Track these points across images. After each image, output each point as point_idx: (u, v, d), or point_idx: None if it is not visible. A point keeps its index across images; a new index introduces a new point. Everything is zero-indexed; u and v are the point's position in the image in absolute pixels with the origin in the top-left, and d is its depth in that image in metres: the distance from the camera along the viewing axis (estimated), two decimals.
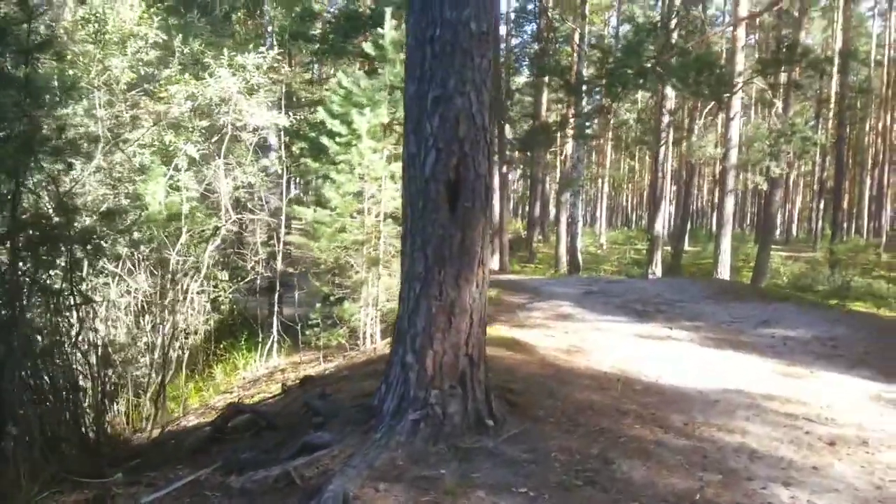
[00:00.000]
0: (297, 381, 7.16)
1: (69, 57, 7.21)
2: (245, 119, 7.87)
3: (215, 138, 8.13)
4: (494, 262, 19.37)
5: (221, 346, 11.08)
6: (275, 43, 10.50)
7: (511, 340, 6.99)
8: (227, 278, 10.99)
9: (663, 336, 8.10)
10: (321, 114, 7.90)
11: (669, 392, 5.73)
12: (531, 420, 4.70)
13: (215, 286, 10.99)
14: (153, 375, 8.32)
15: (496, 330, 7.50)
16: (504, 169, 20.41)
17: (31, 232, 6.42)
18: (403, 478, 3.78)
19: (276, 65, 7.88)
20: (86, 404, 7.06)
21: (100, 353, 7.39)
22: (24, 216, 6.15)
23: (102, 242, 7.01)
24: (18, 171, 5.47)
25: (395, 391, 4.45)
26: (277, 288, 10.10)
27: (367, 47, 8.04)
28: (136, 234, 7.30)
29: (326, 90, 8.29)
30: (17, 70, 6.23)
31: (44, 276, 6.65)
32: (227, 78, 7.56)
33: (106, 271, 7.67)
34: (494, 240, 19.67)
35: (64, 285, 6.91)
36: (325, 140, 7.58)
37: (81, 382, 7.09)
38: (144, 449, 6.51)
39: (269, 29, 10.26)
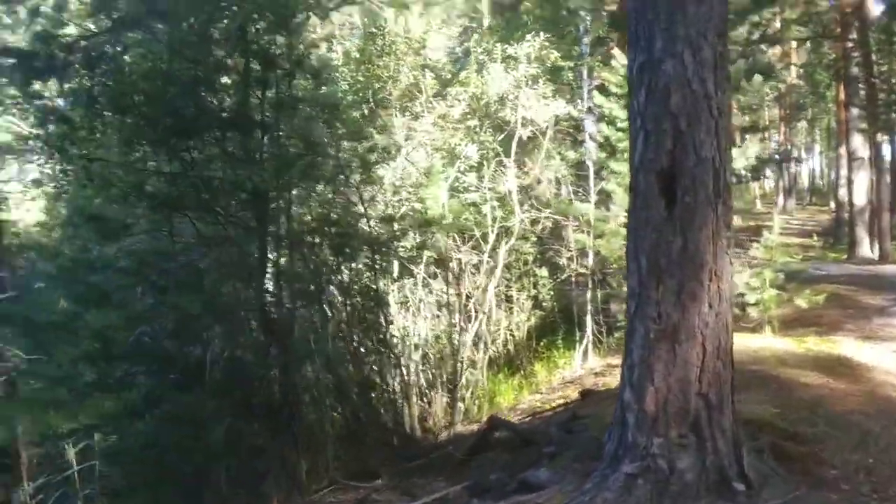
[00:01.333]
0: (580, 394, 6.58)
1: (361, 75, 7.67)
2: (528, 112, 7.50)
3: (501, 136, 7.90)
4: (867, 250, 15.82)
5: (542, 343, 10.93)
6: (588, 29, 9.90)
7: (835, 360, 5.38)
8: (546, 274, 10.80)
9: None
10: (596, 97, 7.14)
11: None
12: (812, 483, 3.45)
13: (535, 283, 10.87)
14: (460, 375, 8.50)
15: (824, 343, 5.91)
16: (881, 136, 16.56)
17: (331, 234, 6.93)
18: None
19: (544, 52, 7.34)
20: (384, 401, 7.43)
21: (398, 352, 7.76)
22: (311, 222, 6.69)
23: (391, 245, 7.33)
24: (286, 184, 5.92)
25: (615, 433, 3.64)
26: (590, 285, 9.52)
27: None
28: (418, 237, 7.47)
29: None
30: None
31: (340, 277, 7.13)
32: (501, 71, 7.28)
33: (406, 273, 8.02)
34: (874, 222, 16.05)
35: (361, 285, 7.33)
36: (602, 126, 6.81)
37: (380, 380, 7.52)
38: (428, 450, 6.61)
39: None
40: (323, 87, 7.47)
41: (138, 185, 5.37)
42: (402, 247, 7.61)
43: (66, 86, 5.49)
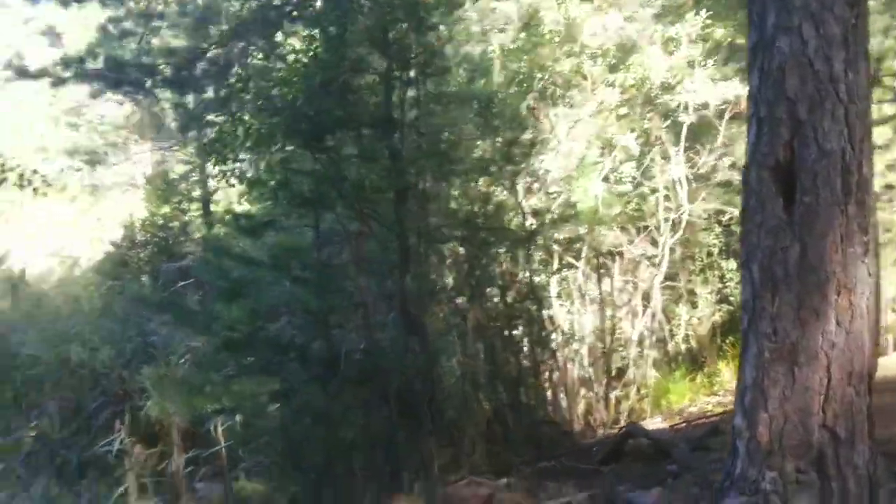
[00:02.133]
0: None
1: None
2: (695, 96, 6.90)
3: (666, 123, 7.37)
4: None
5: (728, 341, 10.11)
6: None
7: None
8: (734, 267, 9.99)
9: None
10: None
11: None
12: None
13: (721, 276, 10.11)
14: (625, 371, 8.12)
15: None
16: None
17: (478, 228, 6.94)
18: None
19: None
20: (537, 397, 7.31)
21: (555, 346, 7.58)
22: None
23: (542, 238, 7.16)
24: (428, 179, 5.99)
25: (728, 462, 3.26)
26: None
27: None
28: (578, 230, 7.21)
29: None
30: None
31: (489, 271, 7.10)
32: (662, 54, 6.75)
33: (566, 266, 7.82)
34: None
35: (514, 278, 7.26)
36: None
37: (534, 374, 7.39)
38: (572, 450, 6.41)
39: None
40: (476, 81, 7.46)
41: (284, 183, 5.72)
42: (558, 240, 7.40)
43: (206, 94, 5.96)
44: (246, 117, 5.68)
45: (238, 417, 5.31)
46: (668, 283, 9.07)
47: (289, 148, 5.76)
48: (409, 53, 6.02)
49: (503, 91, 7.40)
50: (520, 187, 7.22)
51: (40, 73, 5.61)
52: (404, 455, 6.03)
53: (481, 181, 7.10)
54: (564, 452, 6.25)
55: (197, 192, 12.25)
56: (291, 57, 5.78)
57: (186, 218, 11.82)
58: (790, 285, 2.89)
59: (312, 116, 5.69)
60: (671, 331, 9.61)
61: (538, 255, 7.60)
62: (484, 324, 7.12)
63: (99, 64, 5.61)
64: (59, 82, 5.66)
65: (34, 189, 5.70)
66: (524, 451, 6.66)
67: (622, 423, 7.61)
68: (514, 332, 7.51)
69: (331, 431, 5.71)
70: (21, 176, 5.67)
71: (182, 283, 7.96)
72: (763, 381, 3.00)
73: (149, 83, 5.43)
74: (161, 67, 5.40)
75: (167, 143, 12.22)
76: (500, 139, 7.10)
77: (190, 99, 6.27)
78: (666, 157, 7.33)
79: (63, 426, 7.79)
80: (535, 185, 7.49)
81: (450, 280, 6.71)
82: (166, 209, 11.85)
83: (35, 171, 5.76)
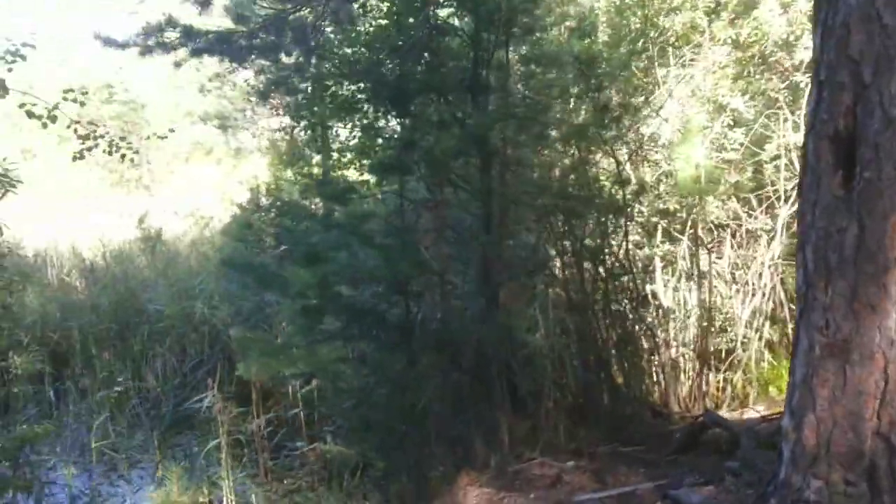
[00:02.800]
0: None
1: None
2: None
3: (785, 83, 6.69)
4: None
5: None
6: None
7: None
8: None
9: None
10: None
11: None
12: None
13: None
14: (731, 353, 7.59)
15: None
16: None
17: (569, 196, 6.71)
18: None
19: None
20: (630, 374, 7.03)
21: (652, 322, 7.23)
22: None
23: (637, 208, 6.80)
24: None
25: (776, 464, 2.96)
26: None
27: None
28: (672, 202, 6.78)
29: None
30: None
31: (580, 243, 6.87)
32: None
33: (670, 239, 7.39)
34: None
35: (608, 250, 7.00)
36: None
37: (628, 351, 7.08)
38: (657, 433, 6.10)
39: None
40: (580, 40, 7.11)
41: (367, 149, 5.74)
42: (662, 210, 6.98)
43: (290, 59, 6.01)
44: (329, 83, 5.73)
45: (314, 382, 5.49)
46: (789, 260, 8.37)
47: (372, 113, 5.77)
48: (497, 12, 5.82)
49: (610, 50, 7.02)
50: (622, 154, 6.85)
51: (172, 45, 5.90)
52: (478, 427, 5.99)
53: (577, 147, 6.80)
54: (647, 437, 5.97)
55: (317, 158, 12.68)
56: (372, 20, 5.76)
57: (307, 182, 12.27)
58: (845, 273, 2.55)
59: (395, 81, 5.65)
60: (791, 311, 8.89)
61: (638, 227, 7.22)
62: (574, 297, 6.89)
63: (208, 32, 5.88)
64: (194, 53, 5.95)
65: (122, 156, 6.09)
66: (605, 432, 6.44)
67: (723, 408, 7.16)
68: (609, 307, 7.21)
69: (405, 398, 5.76)
70: (110, 143, 6.08)
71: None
72: (812, 380, 2.69)
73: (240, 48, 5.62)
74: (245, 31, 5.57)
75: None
76: (599, 102, 6.76)
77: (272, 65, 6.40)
78: (784, 121, 6.66)
79: (167, 381, 8.41)
80: (640, 152, 7.08)
81: (537, 250, 6.51)
82: (289, 173, 12.33)
83: (122, 139, 6.14)
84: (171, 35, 6.07)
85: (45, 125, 5.59)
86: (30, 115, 5.59)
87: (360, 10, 5.92)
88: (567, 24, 7.24)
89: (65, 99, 5.71)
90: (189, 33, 5.99)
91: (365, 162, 5.86)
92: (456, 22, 6.02)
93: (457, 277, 6.07)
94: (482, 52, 5.99)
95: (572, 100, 6.65)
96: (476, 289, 6.27)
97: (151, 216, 14.81)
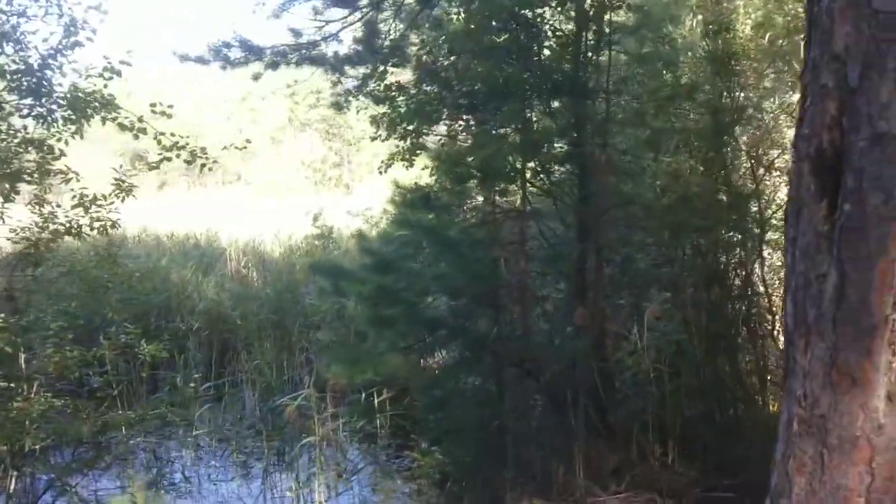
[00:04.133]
0: None
1: None
2: None
3: None
4: None
5: None
6: None
7: None
8: None
9: None
10: None
11: None
12: None
13: None
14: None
15: None
16: None
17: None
18: None
19: None
20: (740, 408, 6.28)
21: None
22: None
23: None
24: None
25: None
26: None
27: None
28: None
29: None
30: None
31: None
32: None
33: None
34: None
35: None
36: None
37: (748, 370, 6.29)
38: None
39: None
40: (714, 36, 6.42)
41: (461, 155, 5.59)
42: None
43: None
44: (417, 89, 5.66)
45: (385, 392, 5.46)
46: None
47: (452, 119, 5.63)
48: (598, 10, 5.43)
49: (742, 45, 6.28)
50: (747, 162, 6.09)
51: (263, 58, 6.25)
52: (559, 451, 5.64)
53: (698, 153, 6.16)
54: (756, 481, 5.26)
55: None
56: (451, 23, 5.58)
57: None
58: (823, 332, 2.00)
59: (477, 85, 5.48)
60: None
61: (773, 245, 6.38)
62: (690, 320, 6.25)
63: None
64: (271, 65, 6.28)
65: (201, 165, 6.44)
66: (708, 472, 5.82)
67: None
68: (734, 333, 6.47)
69: (482, 414, 5.57)
70: (192, 153, 6.44)
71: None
72: (789, 461, 2.14)
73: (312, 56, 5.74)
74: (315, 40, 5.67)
75: None
76: (734, 103, 6.07)
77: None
78: None
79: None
80: (774, 160, 6.26)
81: (639, 266, 5.96)
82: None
83: (203, 149, 6.49)
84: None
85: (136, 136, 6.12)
86: (122, 127, 6.10)
87: (444, 14, 5.80)
88: (699, 17, 6.58)
89: (153, 112, 6.20)
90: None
91: (453, 168, 5.71)
92: (551, 20, 5.68)
93: (544, 291, 5.73)
94: (582, 52, 5.63)
95: (690, 102, 6.02)
96: (568, 305, 5.91)
97: (334, 214, 15.77)
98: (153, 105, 5.97)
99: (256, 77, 6.16)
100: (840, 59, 1.92)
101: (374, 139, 6.70)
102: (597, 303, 5.74)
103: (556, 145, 5.70)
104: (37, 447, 5.44)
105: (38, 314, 6.05)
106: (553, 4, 5.49)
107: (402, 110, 5.82)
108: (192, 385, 7.80)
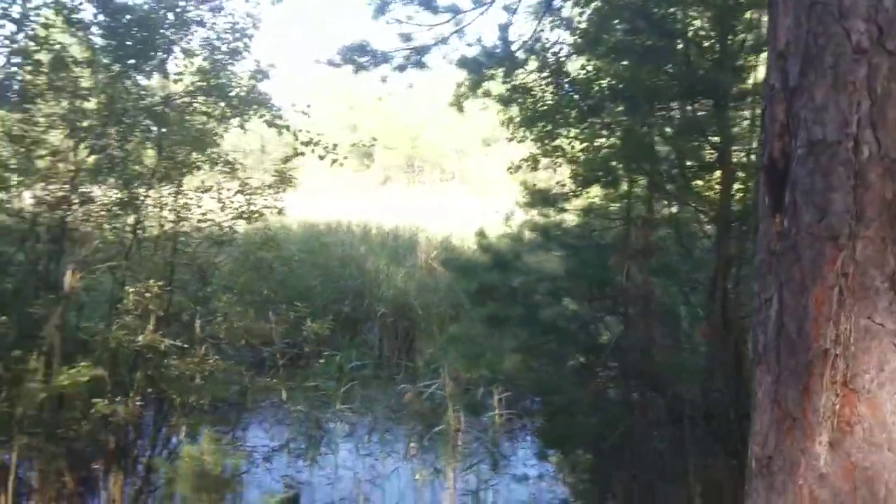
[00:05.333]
0: None
1: None
2: None
3: None
4: None
5: None
6: None
7: None
8: None
9: None
10: None
11: None
12: None
13: None
14: None
15: None
16: None
17: None
18: None
19: None
20: None
21: None
22: None
23: None
24: None
25: None
26: None
27: None
28: None
29: None
30: None
31: None
32: None
33: None
34: None
35: None
36: None
37: None
38: None
39: None
40: None
41: (593, 161, 5.45)
42: None
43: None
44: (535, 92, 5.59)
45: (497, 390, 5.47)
46: None
47: (582, 122, 5.48)
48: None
49: None
50: None
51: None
52: (688, 476, 5.34)
53: None
54: None
55: None
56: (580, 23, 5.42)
57: None
58: (769, 362, 1.79)
59: (611, 88, 5.33)
60: None
61: None
62: None
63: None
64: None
65: (332, 160, 6.80)
66: None
67: None
68: None
69: (599, 423, 5.43)
70: (325, 148, 6.84)
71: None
72: (746, 499, 1.94)
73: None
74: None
75: None
76: None
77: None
78: None
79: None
80: None
81: None
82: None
83: (335, 146, 6.83)
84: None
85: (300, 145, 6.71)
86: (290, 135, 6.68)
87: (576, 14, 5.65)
88: None
89: (295, 111, 6.72)
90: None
91: (582, 172, 5.58)
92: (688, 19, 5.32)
93: (672, 301, 5.39)
94: (726, 56, 5.28)
95: None
96: (707, 319, 5.56)
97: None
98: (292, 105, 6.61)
99: (384, 79, 6.52)
100: (783, 55, 1.70)
101: (510, 140, 6.76)
102: (732, 318, 5.32)
103: (701, 152, 5.35)
104: (203, 402, 6.23)
105: (216, 287, 6.89)
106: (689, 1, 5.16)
107: (529, 113, 5.80)
108: (350, 364, 8.43)
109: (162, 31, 6.20)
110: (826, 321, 1.62)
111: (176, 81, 6.54)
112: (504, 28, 5.98)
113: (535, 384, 5.79)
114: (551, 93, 5.78)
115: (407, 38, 6.17)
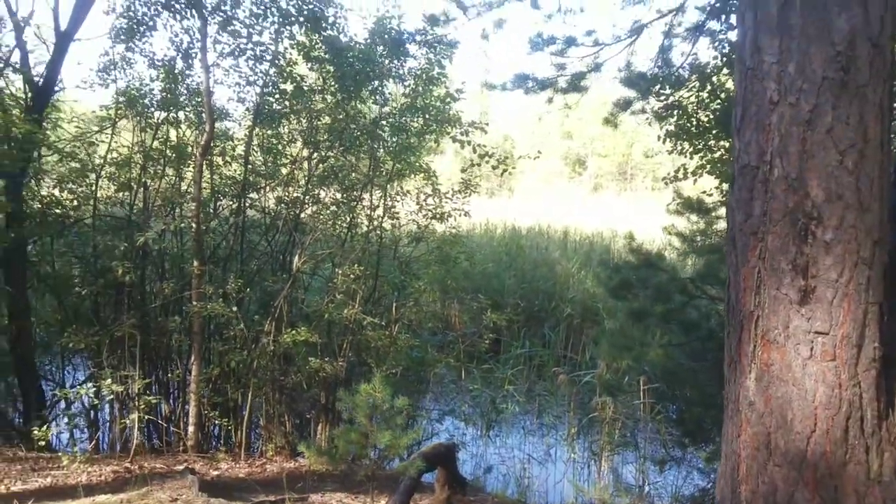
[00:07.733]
0: None
1: None
2: None
3: None
4: None
5: None
6: None
7: None
8: None
9: None
10: None
11: None
12: None
13: None
14: None
15: None
16: None
17: None
18: None
19: None
20: None
21: None
22: None
23: None
24: None
25: None
26: None
27: None
28: None
29: None
30: None
31: None
32: None
33: None
34: None
35: None
36: None
37: None
38: None
39: None
40: None
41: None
42: None
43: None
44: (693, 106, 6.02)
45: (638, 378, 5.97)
46: None
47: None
48: None
49: None
50: None
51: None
52: None
53: None
54: None
55: None
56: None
57: None
58: (731, 319, 2.48)
59: None
60: None
61: None
62: None
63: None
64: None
65: (503, 170, 7.56)
66: None
67: None
68: None
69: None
70: (498, 160, 7.63)
71: None
72: (723, 428, 2.61)
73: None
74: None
75: None
76: None
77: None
78: None
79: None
80: None
81: None
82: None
83: (507, 157, 7.59)
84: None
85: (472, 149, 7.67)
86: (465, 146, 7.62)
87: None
88: None
89: (476, 128, 7.61)
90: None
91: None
92: None
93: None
94: None
95: None
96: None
97: None
98: (470, 124, 7.55)
99: (549, 100, 7.22)
100: (738, 104, 2.39)
101: (670, 153, 7.19)
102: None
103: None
104: (395, 371, 7.47)
105: (411, 276, 8.13)
106: None
107: (686, 128, 6.24)
108: (528, 353, 9.34)
109: (376, 62, 7.52)
110: (751, 292, 2.30)
111: (385, 104, 7.86)
112: (665, 50, 6.53)
113: (673, 376, 6.26)
114: (710, 108, 6.21)
115: (561, 67, 6.93)
